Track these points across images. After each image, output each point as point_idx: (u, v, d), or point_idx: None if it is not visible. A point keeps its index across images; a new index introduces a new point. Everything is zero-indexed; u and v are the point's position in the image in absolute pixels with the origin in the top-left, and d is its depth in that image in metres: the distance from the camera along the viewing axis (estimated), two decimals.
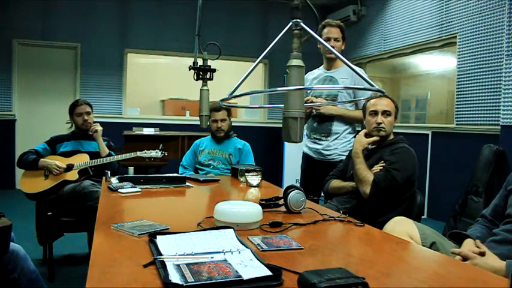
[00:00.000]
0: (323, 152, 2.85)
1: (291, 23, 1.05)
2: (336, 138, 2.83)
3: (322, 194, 2.61)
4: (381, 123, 2.23)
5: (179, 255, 1.09)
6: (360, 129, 2.41)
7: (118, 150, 3.35)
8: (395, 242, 1.40)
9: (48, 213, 2.76)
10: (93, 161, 2.97)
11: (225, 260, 1.06)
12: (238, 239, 1.24)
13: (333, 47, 1.64)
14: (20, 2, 5.98)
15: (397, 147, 2.22)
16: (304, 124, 1.47)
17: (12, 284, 1.74)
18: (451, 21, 4.82)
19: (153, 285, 0.93)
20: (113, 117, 6.40)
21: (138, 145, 4.11)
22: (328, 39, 2.77)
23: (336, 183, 2.40)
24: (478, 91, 4.45)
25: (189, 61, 2.09)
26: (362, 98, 2.66)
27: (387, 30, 5.96)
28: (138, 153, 3.02)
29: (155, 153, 3.03)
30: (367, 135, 2.28)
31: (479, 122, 4.43)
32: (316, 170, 2.85)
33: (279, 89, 1.07)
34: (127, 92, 6.62)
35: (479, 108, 4.43)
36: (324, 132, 2.86)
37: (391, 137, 2.32)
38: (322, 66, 2.97)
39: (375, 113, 2.26)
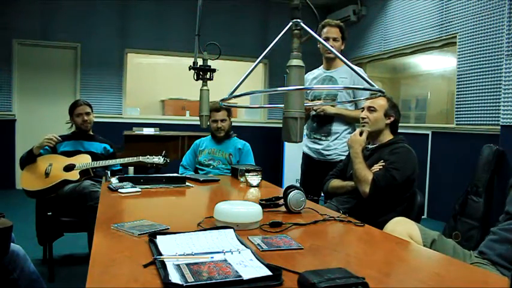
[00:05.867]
0: (323, 152, 2.85)
1: (291, 23, 1.05)
2: (336, 138, 2.83)
3: (322, 194, 2.61)
4: (364, 117, 2.29)
5: (179, 255, 1.09)
6: None
7: (118, 150, 3.35)
8: (395, 242, 1.40)
9: (48, 213, 2.75)
10: (95, 162, 2.96)
11: (225, 260, 1.06)
12: (238, 239, 1.24)
13: (332, 47, 1.64)
14: (20, 2, 5.98)
15: (396, 147, 2.23)
16: (304, 124, 1.47)
17: (12, 285, 1.74)
18: (451, 21, 4.82)
19: (153, 285, 0.93)
20: (113, 117, 6.40)
21: (138, 145, 4.12)
22: (327, 39, 2.76)
23: (335, 182, 2.41)
24: (478, 91, 4.44)
25: (189, 61, 2.09)
26: (361, 98, 2.66)
27: (387, 30, 5.96)
28: (141, 158, 2.94)
29: (158, 160, 2.94)
30: (361, 134, 2.29)
31: (479, 122, 4.43)
32: (316, 170, 2.85)
33: (279, 89, 1.07)
34: (127, 92, 6.62)
35: (479, 108, 4.43)
36: (324, 132, 2.86)
37: (391, 137, 2.32)
38: (321, 66, 2.96)
39: (363, 109, 2.35)
